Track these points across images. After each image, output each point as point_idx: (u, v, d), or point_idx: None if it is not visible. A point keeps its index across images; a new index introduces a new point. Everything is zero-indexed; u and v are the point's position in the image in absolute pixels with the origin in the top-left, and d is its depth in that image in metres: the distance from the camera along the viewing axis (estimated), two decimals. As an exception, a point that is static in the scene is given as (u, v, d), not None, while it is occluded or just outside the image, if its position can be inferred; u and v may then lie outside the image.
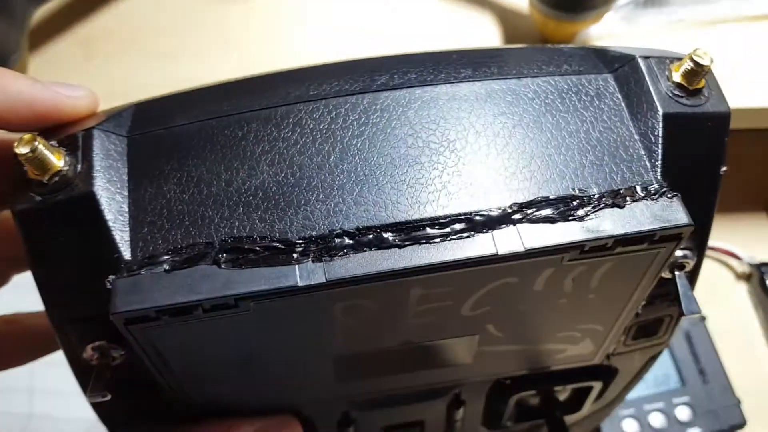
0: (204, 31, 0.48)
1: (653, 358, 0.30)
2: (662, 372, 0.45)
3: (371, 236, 0.20)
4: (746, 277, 0.50)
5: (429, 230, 0.20)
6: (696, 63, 0.21)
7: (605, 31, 0.46)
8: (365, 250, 0.20)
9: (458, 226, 0.20)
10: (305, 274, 0.20)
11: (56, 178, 0.20)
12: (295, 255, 0.20)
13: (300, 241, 0.20)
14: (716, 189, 0.23)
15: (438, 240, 0.20)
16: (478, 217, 0.20)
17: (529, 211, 0.20)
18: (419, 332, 0.24)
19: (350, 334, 0.23)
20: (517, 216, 0.20)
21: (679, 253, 0.23)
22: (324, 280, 0.19)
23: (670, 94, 0.22)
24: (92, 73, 0.47)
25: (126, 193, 0.21)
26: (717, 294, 0.49)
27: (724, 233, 0.50)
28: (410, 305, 0.22)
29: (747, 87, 0.44)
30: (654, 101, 0.22)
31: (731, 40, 0.46)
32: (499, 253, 0.20)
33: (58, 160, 0.20)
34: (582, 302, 0.24)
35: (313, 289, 0.20)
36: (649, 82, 0.22)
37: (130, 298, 0.19)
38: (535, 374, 0.28)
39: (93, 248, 0.21)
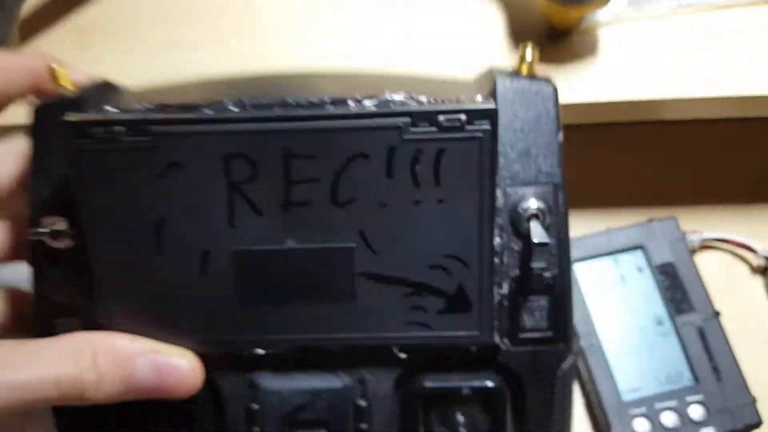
0: (198, 19, 0.47)
1: (567, 381, 0.31)
2: (675, 369, 0.43)
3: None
4: (762, 271, 0.48)
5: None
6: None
7: (612, 17, 0.44)
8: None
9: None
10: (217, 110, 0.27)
11: None
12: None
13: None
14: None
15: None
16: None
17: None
18: (301, 233, 0.28)
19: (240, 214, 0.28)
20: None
21: (533, 204, 0.29)
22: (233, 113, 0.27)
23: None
24: (87, 64, 0.46)
25: None
26: (731, 288, 0.47)
27: (738, 225, 0.49)
28: (288, 175, 0.28)
29: (760, 72, 0.43)
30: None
31: (743, 24, 0.44)
32: (342, 112, 0.27)
33: None
34: (434, 209, 0.28)
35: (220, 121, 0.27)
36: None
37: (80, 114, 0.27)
38: (431, 352, 0.30)
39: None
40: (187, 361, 0.28)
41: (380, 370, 0.31)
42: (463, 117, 0.27)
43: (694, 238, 0.47)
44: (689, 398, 0.42)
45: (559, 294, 0.30)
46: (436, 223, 0.28)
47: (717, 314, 0.44)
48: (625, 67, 0.44)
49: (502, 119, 0.29)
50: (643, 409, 0.42)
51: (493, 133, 0.27)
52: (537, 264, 0.29)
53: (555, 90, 0.30)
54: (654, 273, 0.45)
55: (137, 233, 0.28)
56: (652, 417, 0.42)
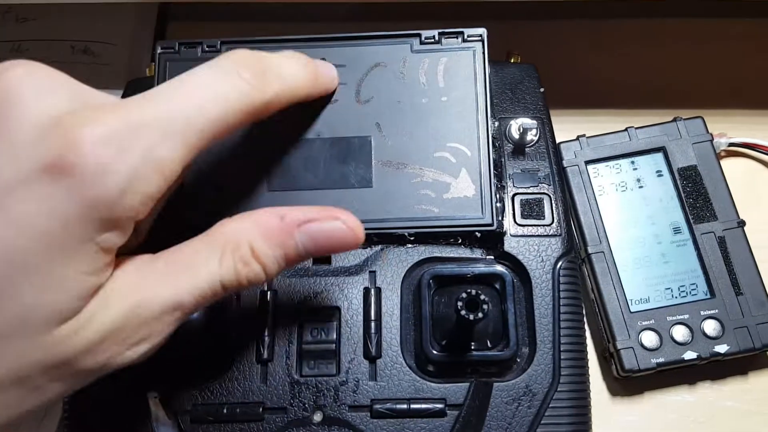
0: None
1: (570, 280, 0.34)
2: (689, 281, 0.39)
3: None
4: (792, 180, 0.43)
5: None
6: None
7: None
8: None
9: None
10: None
11: None
12: None
13: None
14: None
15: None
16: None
17: None
18: (329, 126, 0.35)
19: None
20: None
21: (523, 120, 0.36)
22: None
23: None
24: None
25: None
26: (758, 197, 0.43)
27: (765, 129, 0.44)
28: None
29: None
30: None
31: None
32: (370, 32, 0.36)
33: None
34: (439, 106, 0.35)
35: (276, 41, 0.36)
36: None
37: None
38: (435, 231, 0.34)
39: None
40: (341, 221, 0.28)
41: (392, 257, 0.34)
42: (460, 36, 0.35)
43: (721, 141, 0.43)
44: (704, 312, 0.39)
45: (555, 191, 0.36)
46: (440, 117, 0.34)
47: (741, 224, 0.40)
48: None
49: (496, 81, 0.38)
50: (651, 322, 0.38)
51: (483, 48, 0.35)
52: (530, 163, 0.36)
53: (535, 68, 0.39)
54: (674, 176, 0.41)
55: None
56: (662, 330, 0.38)
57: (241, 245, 0.26)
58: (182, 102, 0.25)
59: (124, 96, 0.40)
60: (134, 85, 0.40)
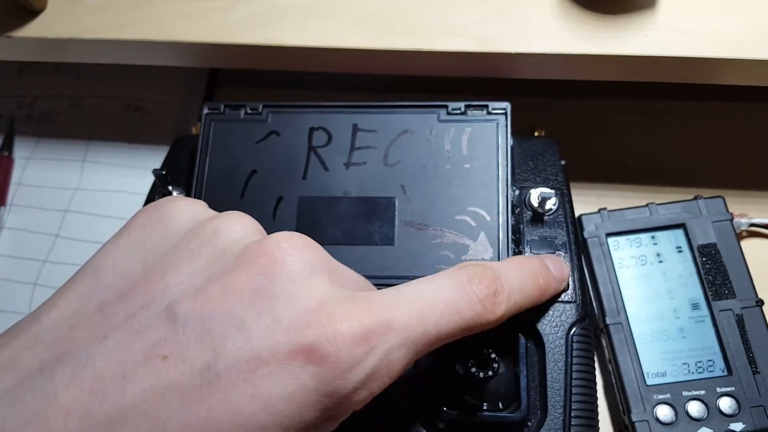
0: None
1: (582, 347, 0.35)
2: (706, 357, 0.40)
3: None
4: (812, 265, 0.44)
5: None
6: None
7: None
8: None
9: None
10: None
11: None
12: None
13: None
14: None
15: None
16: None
17: None
18: (356, 186, 0.37)
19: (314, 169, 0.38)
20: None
21: (543, 190, 0.38)
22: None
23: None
24: None
25: None
26: (777, 278, 0.43)
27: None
28: (353, 143, 0.38)
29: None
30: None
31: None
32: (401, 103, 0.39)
33: None
34: (461, 172, 0.37)
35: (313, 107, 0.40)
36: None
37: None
38: None
39: None
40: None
41: None
42: (485, 109, 0.38)
43: (742, 221, 0.44)
44: (720, 389, 0.39)
45: (571, 259, 0.37)
46: (462, 183, 0.37)
47: (760, 303, 0.40)
48: (683, 20, 0.40)
49: (519, 153, 0.40)
50: (667, 396, 0.39)
51: (507, 120, 0.38)
52: (547, 231, 0.38)
53: (557, 142, 0.41)
54: (694, 253, 0.42)
55: (231, 182, 0.38)
56: (677, 405, 0.38)
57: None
58: (422, 309, 0.26)
59: (171, 151, 0.43)
60: (181, 142, 0.43)
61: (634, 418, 0.38)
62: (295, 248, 0.25)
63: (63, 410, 0.22)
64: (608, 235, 0.43)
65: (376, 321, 0.24)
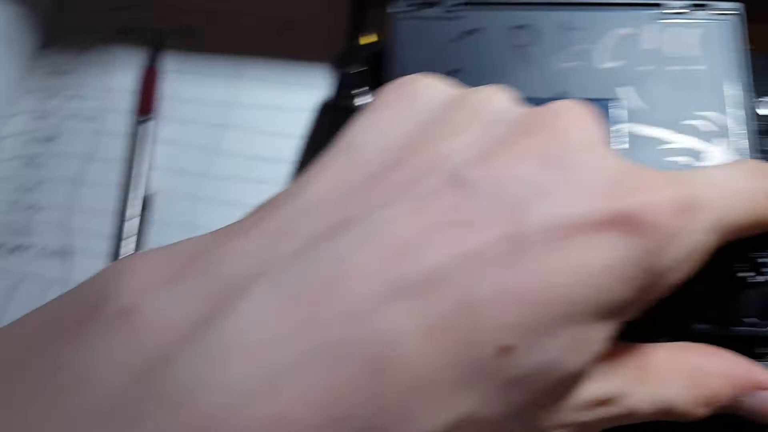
0: None
1: None
2: None
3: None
4: None
5: None
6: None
7: None
8: None
9: None
10: None
11: None
12: None
13: None
14: None
15: None
16: None
17: None
18: (563, 85, 0.34)
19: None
20: None
21: None
22: None
23: None
24: None
25: None
26: None
27: None
28: (562, 42, 0.35)
29: None
30: None
31: None
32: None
33: None
34: (687, 74, 0.34)
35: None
36: None
37: None
38: None
39: None
40: None
41: None
42: (714, 9, 0.34)
43: None
44: None
45: None
46: (689, 86, 0.33)
47: None
48: None
49: None
50: None
51: (742, 21, 0.33)
52: None
53: None
54: None
55: None
56: None
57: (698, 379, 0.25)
58: (737, 192, 0.23)
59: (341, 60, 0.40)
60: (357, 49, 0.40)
61: None
62: (580, 117, 0.23)
63: (361, 274, 0.20)
64: None
65: (691, 195, 0.22)
